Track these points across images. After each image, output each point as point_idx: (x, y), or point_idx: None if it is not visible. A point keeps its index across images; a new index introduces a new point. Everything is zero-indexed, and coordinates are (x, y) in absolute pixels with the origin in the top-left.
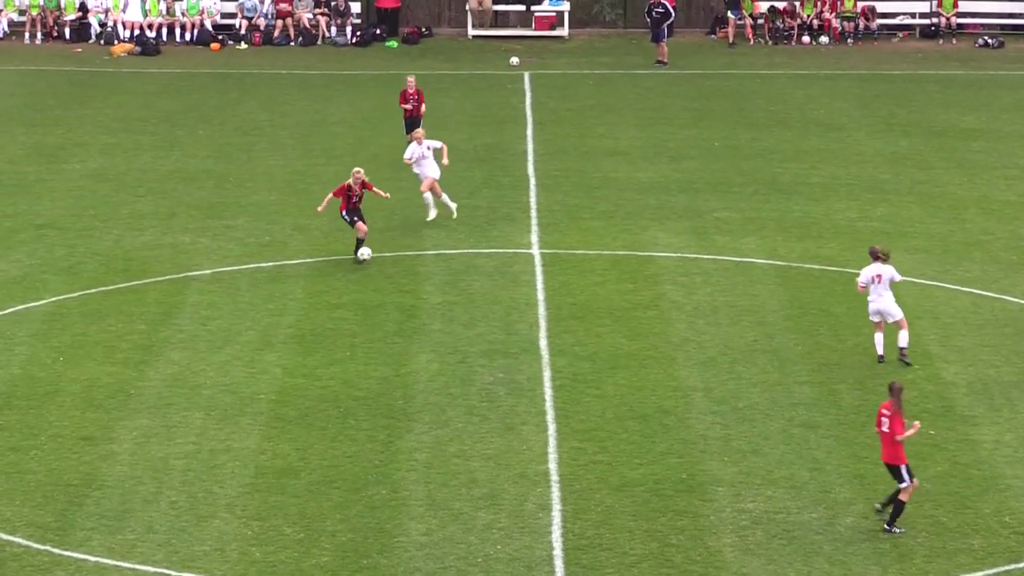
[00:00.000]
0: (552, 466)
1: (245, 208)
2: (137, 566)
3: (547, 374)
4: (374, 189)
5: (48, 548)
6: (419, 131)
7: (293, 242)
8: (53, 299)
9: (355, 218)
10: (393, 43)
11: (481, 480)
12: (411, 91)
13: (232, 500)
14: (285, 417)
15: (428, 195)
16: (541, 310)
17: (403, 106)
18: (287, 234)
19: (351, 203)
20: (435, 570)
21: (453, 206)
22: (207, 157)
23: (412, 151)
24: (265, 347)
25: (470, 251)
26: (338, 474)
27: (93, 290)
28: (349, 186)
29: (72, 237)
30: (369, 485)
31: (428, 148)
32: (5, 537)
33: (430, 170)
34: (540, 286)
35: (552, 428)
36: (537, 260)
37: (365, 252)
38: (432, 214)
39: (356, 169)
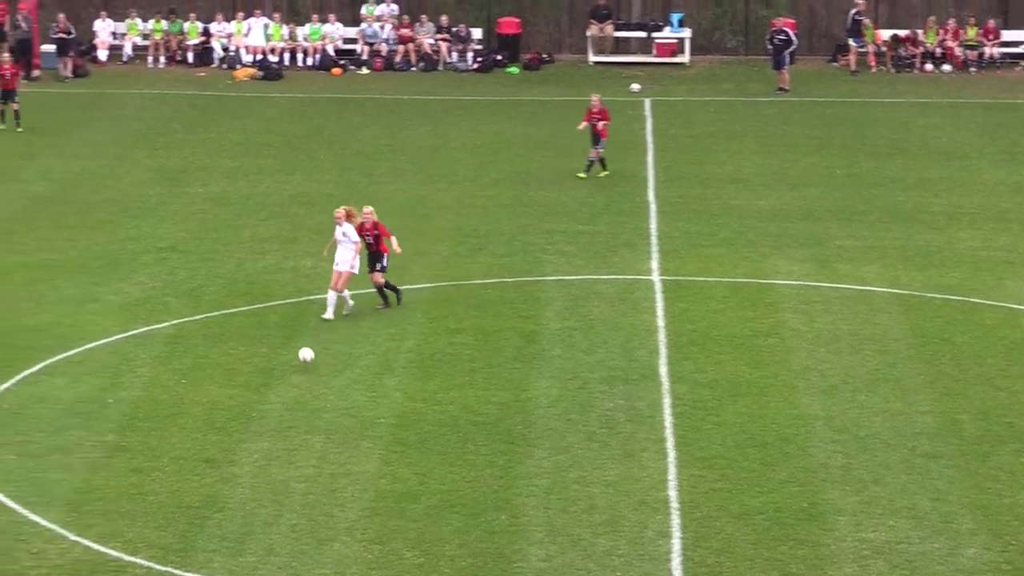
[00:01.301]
0: (672, 493)
1: None
2: None
3: (667, 401)
4: (387, 236)
5: (169, 569)
6: (339, 211)
7: (413, 267)
8: (175, 321)
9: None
10: (514, 69)
11: (601, 507)
12: (595, 110)
13: (352, 524)
14: (405, 441)
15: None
16: (661, 336)
17: (587, 123)
18: (407, 259)
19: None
20: None
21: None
22: (328, 181)
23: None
24: (385, 371)
25: (590, 277)
26: (457, 499)
27: (215, 313)
28: (362, 224)
29: (194, 260)
30: (488, 510)
31: (343, 234)
32: (127, 559)
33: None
34: (660, 312)
35: (672, 455)
36: (657, 287)
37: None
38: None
39: (366, 209)
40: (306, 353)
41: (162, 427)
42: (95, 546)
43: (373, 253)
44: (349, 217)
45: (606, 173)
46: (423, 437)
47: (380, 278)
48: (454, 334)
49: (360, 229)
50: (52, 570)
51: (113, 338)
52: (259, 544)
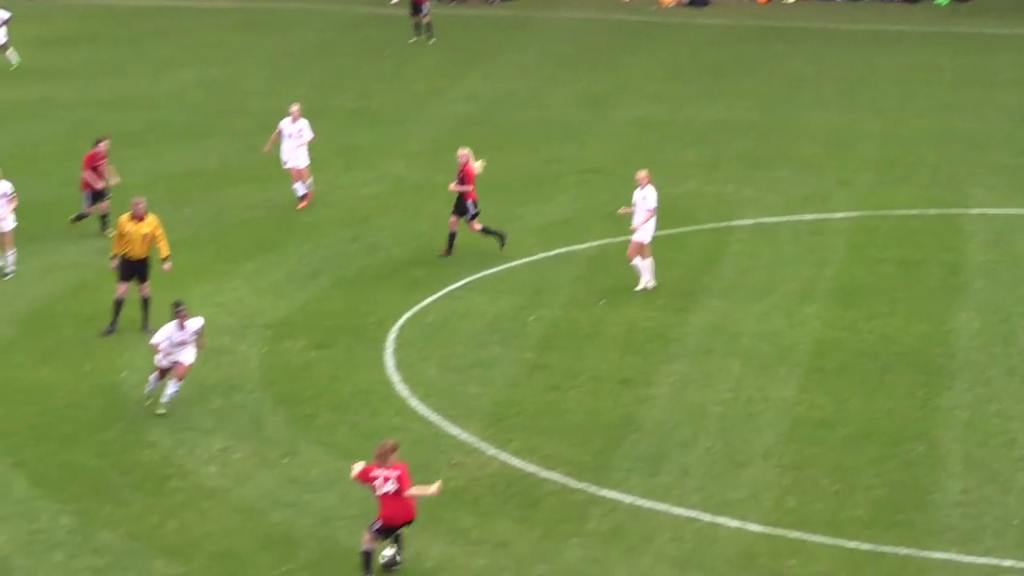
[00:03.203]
0: None
1: (788, 160)
2: (672, 508)
3: None
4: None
5: (584, 486)
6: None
7: (836, 196)
8: (596, 243)
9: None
10: (943, 0)
11: (1021, 441)
12: None
13: (768, 449)
14: (823, 369)
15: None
16: None
17: None
18: (830, 188)
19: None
20: (971, 529)
21: None
22: (751, 109)
23: None
24: (804, 299)
25: (1016, 211)
26: (875, 428)
27: None
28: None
29: (616, 183)
30: (906, 440)
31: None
32: (544, 474)
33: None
34: None
35: None
36: None
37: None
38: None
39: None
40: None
41: (580, 346)
42: (513, 460)
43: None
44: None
45: None
46: (842, 365)
47: (476, 225)
48: (876, 264)
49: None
50: (470, 482)
51: (534, 257)
52: (674, 465)
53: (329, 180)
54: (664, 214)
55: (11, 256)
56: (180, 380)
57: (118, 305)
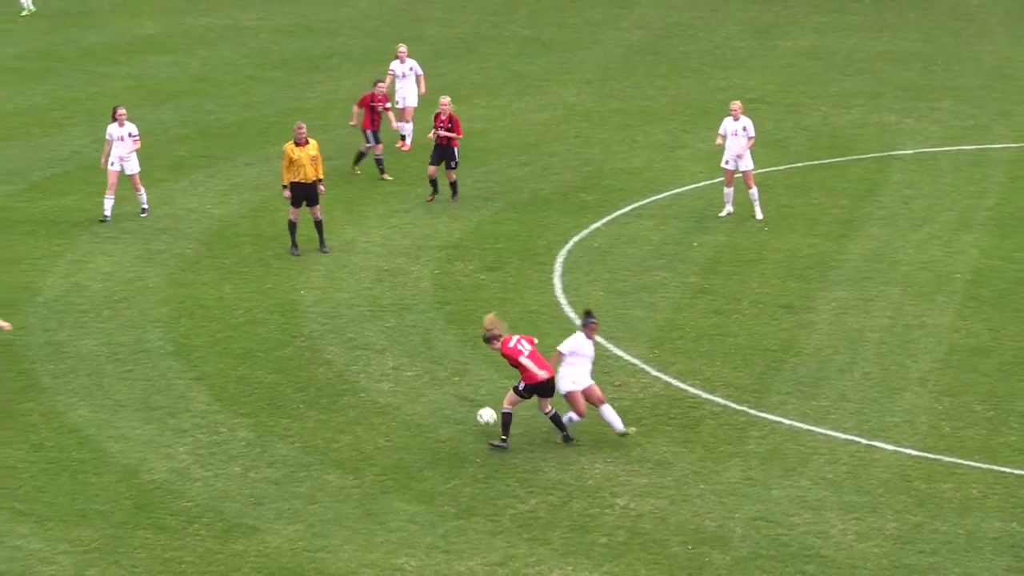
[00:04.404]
0: None
1: (950, 91)
2: (828, 432)
3: None
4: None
5: (744, 408)
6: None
7: (996, 127)
8: (760, 170)
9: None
10: None
11: None
12: None
13: (924, 375)
14: (980, 297)
15: None
16: None
17: None
18: (991, 118)
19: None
20: None
21: None
22: (916, 40)
23: None
24: (963, 228)
25: None
26: None
27: (799, 164)
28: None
29: (780, 112)
30: None
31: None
32: (705, 396)
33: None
34: None
35: None
36: None
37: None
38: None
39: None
40: (487, 415)
41: (743, 272)
42: (675, 382)
43: (443, 147)
44: None
45: None
46: (999, 294)
47: (452, 174)
48: None
49: (436, 119)
50: (634, 403)
51: (700, 184)
52: (832, 389)
53: (502, 106)
54: (827, 143)
55: (142, 195)
56: (603, 403)
57: (292, 227)
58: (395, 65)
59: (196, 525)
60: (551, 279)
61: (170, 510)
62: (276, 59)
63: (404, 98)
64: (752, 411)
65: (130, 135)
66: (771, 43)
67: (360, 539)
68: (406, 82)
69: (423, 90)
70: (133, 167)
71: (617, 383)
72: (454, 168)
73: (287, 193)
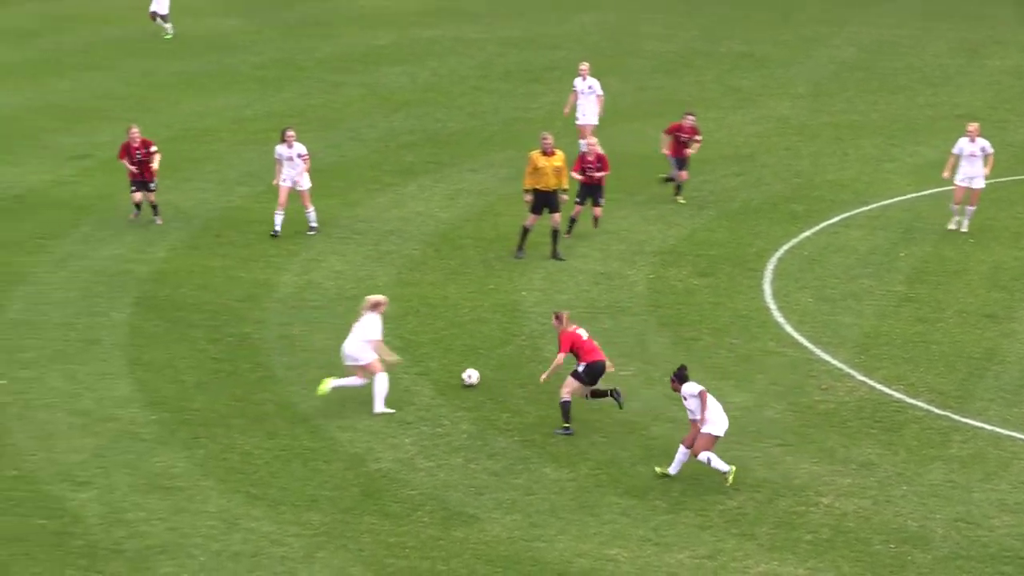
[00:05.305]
0: None
1: None
2: None
3: None
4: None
5: (947, 414)
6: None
7: None
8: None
9: None
10: None
11: None
12: None
13: None
14: None
15: None
16: None
17: None
18: None
19: None
20: None
21: None
22: None
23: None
24: None
25: None
26: None
27: (1004, 179)
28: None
29: (987, 128)
30: None
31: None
32: (909, 400)
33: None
34: None
35: None
36: None
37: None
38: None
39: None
40: (473, 377)
41: (948, 282)
42: (879, 387)
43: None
44: None
45: None
46: None
47: (598, 210)
48: None
49: (581, 160)
50: (839, 406)
51: (907, 196)
52: None
53: (717, 119)
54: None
55: (311, 213)
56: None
57: (525, 232)
58: (577, 82)
59: (419, 512)
60: (761, 285)
61: (395, 497)
62: (500, 70)
63: (584, 115)
64: (955, 416)
65: (299, 155)
66: (979, 61)
67: (574, 530)
68: (587, 99)
69: (601, 110)
70: (305, 184)
71: (824, 386)
72: (601, 206)
73: (528, 197)
